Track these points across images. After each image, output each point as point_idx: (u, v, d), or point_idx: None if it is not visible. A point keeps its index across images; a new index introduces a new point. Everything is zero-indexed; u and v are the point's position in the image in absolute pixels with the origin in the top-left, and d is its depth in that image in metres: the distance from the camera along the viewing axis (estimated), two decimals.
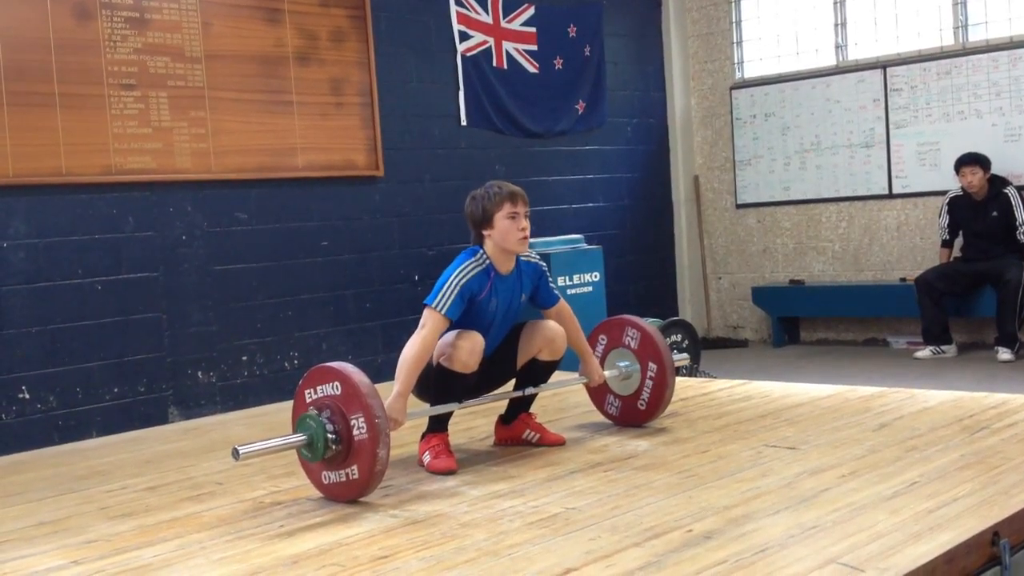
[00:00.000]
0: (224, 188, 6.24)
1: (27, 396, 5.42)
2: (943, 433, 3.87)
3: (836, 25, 8.54)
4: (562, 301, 4.10)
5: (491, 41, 7.74)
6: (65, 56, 5.55)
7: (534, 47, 8.01)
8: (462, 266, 3.79)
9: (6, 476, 4.37)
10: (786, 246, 8.92)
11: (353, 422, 3.34)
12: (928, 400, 4.54)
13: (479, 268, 3.81)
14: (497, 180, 3.94)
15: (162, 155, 5.93)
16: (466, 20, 7.58)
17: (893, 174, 8.30)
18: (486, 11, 7.70)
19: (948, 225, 7.68)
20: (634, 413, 4.29)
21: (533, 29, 8.00)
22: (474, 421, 4.55)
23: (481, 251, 3.85)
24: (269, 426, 5.07)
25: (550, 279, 4.07)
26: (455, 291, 3.73)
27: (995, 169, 7.47)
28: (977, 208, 7.50)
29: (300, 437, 3.40)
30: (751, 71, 9.04)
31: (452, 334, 3.77)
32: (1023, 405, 4.26)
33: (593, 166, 8.51)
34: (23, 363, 5.42)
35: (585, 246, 7.38)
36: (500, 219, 3.79)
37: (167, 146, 5.95)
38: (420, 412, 3.80)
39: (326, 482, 3.47)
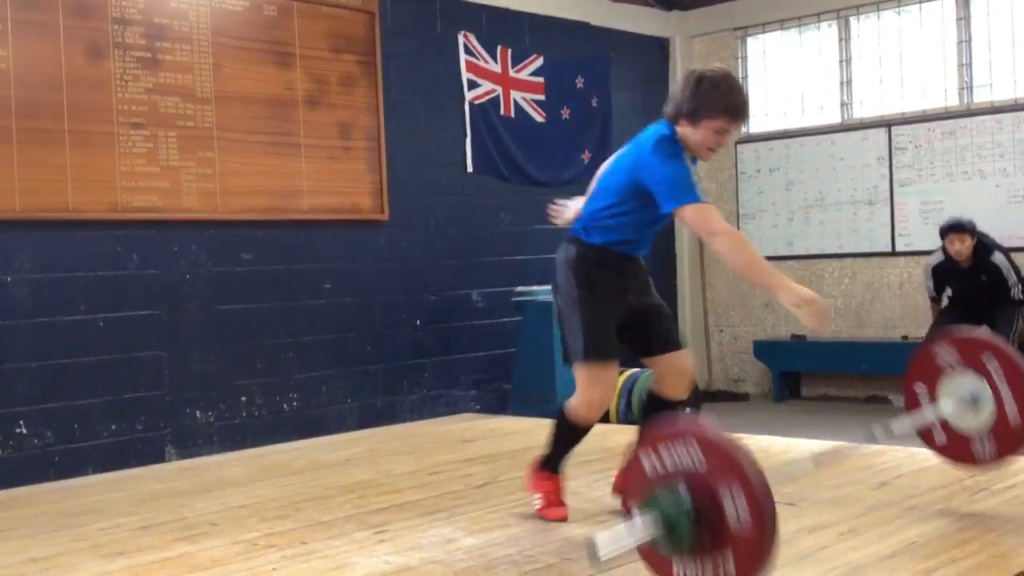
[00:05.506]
0: (229, 228, 6.26)
1: (24, 431, 5.41)
2: (943, 493, 3.85)
3: (842, 83, 8.60)
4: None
5: (499, 90, 7.80)
6: (76, 94, 5.60)
7: (542, 97, 8.07)
8: (679, 157, 3.37)
9: (0, 511, 4.35)
10: None
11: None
12: (928, 459, 4.50)
13: (687, 159, 3.44)
14: (730, 78, 3.44)
15: (169, 194, 5.96)
16: (475, 69, 7.65)
17: (896, 232, 8.32)
18: (495, 60, 7.77)
19: (934, 287, 7.51)
20: (965, 453, 3.41)
21: (541, 79, 8.06)
22: (471, 468, 4.53)
23: (673, 134, 3.43)
24: (266, 468, 5.06)
25: None
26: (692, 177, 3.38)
27: (999, 231, 7.36)
28: (965, 274, 7.31)
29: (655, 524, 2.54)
30: (757, 126, 9.10)
31: (587, 378, 3.54)
32: (1023, 467, 4.23)
33: None
34: (22, 398, 5.41)
35: None
36: (707, 125, 3.38)
37: (174, 185, 5.98)
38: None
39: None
